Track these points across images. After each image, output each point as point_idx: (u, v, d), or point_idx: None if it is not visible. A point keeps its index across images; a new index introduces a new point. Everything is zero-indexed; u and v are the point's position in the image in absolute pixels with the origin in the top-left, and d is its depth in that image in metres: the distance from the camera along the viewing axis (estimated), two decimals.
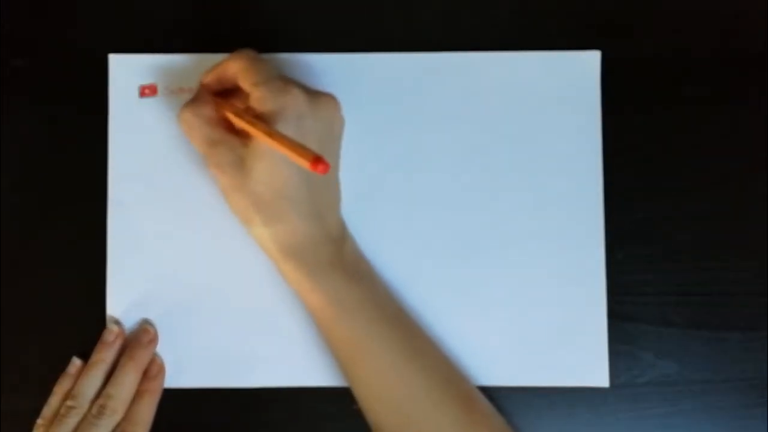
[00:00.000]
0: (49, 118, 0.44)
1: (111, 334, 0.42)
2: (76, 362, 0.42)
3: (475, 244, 0.43)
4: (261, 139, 0.36)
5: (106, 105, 0.44)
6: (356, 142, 0.43)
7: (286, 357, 0.43)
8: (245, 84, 0.38)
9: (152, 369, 0.42)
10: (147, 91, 0.44)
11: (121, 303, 0.43)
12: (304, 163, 0.33)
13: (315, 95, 0.39)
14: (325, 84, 0.43)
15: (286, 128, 0.36)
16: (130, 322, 0.43)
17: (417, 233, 0.43)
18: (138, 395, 0.41)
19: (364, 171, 0.44)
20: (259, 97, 0.38)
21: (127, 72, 0.44)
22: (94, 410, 0.39)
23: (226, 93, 0.41)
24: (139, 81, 0.44)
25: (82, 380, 0.40)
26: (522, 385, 0.43)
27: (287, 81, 0.38)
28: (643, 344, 0.43)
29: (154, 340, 0.42)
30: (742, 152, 0.44)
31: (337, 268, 0.39)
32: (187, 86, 0.44)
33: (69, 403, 0.39)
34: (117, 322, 0.43)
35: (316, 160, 0.33)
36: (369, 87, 0.44)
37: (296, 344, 0.43)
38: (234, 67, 0.39)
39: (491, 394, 0.42)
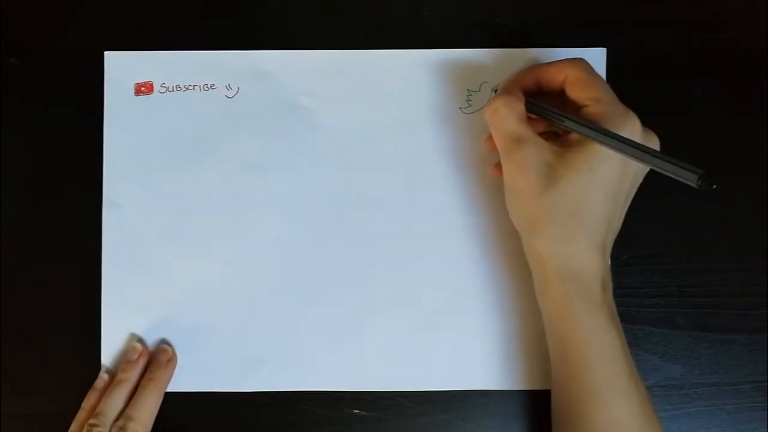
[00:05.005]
0: (44, 116, 0.44)
1: (134, 352, 0.42)
2: (103, 377, 0.42)
3: (482, 246, 0.43)
4: (607, 148, 0.35)
5: (102, 103, 0.43)
6: (365, 142, 0.43)
7: (284, 361, 0.43)
8: (580, 94, 0.37)
9: (160, 357, 0.42)
10: (143, 89, 0.43)
11: (116, 305, 0.43)
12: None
13: (648, 131, 0.37)
14: (323, 81, 0.43)
15: (614, 154, 0.35)
16: (125, 325, 0.43)
17: (422, 235, 0.43)
18: (143, 383, 0.41)
19: (359, 171, 0.43)
20: (598, 113, 0.36)
21: (122, 69, 0.43)
22: (115, 431, 0.39)
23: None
24: (135, 79, 0.43)
25: (105, 399, 0.40)
26: (528, 388, 0.42)
27: (626, 107, 0.37)
28: (648, 347, 0.43)
29: (172, 359, 0.42)
30: (747, 152, 0.44)
31: (603, 308, 0.37)
32: (183, 84, 0.43)
33: (92, 421, 0.39)
34: (140, 340, 0.42)
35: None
36: (369, 84, 0.43)
37: (295, 348, 0.43)
38: (570, 74, 0.38)
39: (499, 398, 0.42)
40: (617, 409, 0.37)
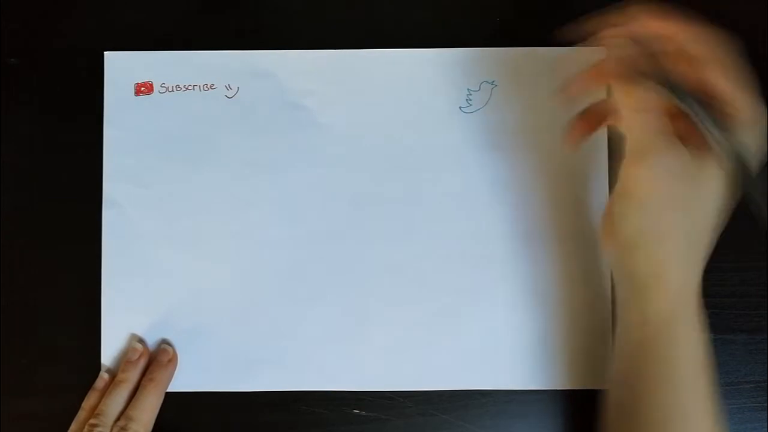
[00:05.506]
0: (44, 116, 0.44)
1: (135, 352, 0.42)
2: (104, 376, 0.42)
3: (482, 246, 0.43)
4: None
5: (102, 103, 0.43)
6: (365, 142, 0.43)
7: (284, 361, 0.43)
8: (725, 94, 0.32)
9: (161, 357, 0.42)
10: (143, 89, 0.43)
11: (116, 305, 0.43)
12: None
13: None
14: (323, 81, 0.43)
15: None
16: (125, 325, 0.43)
17: (422, 235, 0.43)
18: (144, 383, 0.41)
19: (358, 171, 0.43)
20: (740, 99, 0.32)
21: (122, 70, 0.43)
22: (115, 431, 0.39)
23: None
24: (135, 79, 0.43)
25: (106, 399, 0.40)
26: (529, 388, 0.42)
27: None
28: None
29: (173, 359, 0.42)
30: None
31: (700, 326, 0.35)
32: (183, 84, 0.43)
33: (92, 421, 0.39)
34: (141, 341, 0.42)
35: None
36: (369, 84, 0.43)
37: (295, 348, 0.43)
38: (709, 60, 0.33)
39: (499, 398, 0.42)
40: (692, 429, 0.35)
